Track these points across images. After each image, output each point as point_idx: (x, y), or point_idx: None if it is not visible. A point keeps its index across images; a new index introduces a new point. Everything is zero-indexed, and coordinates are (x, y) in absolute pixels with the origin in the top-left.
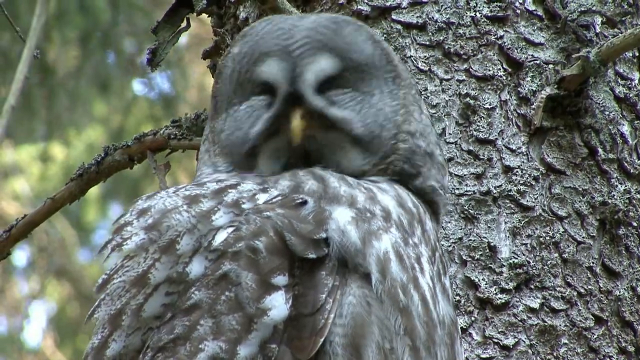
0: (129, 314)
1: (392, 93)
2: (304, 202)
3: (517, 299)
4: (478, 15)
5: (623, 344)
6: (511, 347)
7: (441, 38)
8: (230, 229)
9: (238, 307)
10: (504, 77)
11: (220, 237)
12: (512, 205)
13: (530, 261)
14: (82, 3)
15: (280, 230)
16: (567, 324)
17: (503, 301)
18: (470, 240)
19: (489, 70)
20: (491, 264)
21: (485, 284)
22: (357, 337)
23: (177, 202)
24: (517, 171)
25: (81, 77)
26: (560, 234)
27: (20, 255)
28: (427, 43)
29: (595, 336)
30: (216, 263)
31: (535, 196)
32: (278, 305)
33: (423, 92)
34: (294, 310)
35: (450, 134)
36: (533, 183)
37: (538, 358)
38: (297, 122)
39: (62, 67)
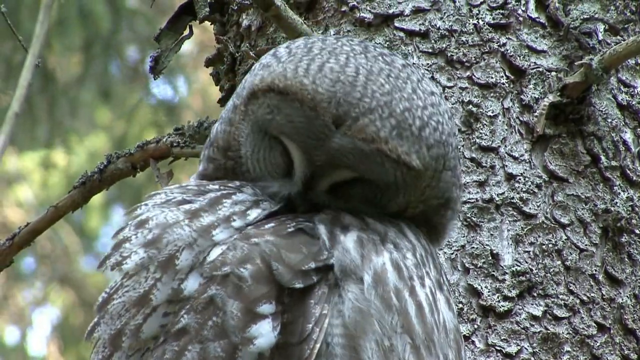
0: (129, 334)
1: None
2: (299, 230)
3: (520, 307)
4: (481, 22)
5: (625, 352)
6: (514, 354)
7: (444, 45)
8: (224, 247)
9: (223, 335)
10: (507, 85)
11: (215, 253)
12: (515, 213)
13: (533, 269)
14: (83, 10)
15: (268, 259)
16: (570, 332)
17: (506, 309)
18: (473, 247)
19: (492, 78)
20: (494, 271)
21: (488, 292)
22: (356, 337)
23: (178, 216)
24: (519, 179)
25: (83, 84)
26: (562, 241)
27: (24, 263)
28: (430, 50)
29: (597, 344)
30: (203, 286)
31: (538, 204)
32: (265, 333)
33: None
34: (281, 339)
35: None
36: (536, 190)
37: None
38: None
39: (64, 74)
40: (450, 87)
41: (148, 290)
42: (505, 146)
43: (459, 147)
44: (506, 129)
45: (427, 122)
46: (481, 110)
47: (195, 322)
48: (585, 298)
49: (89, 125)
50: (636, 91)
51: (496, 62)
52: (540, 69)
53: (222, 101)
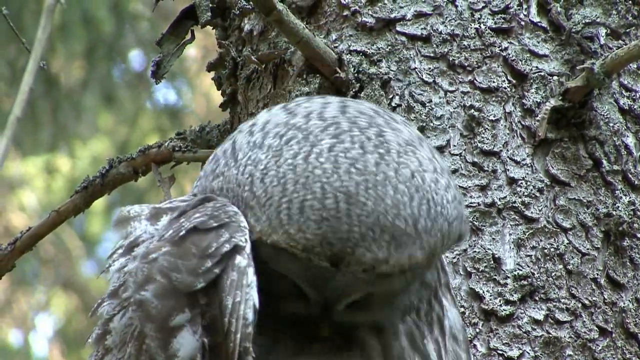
0: (109, 332)
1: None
2: (192, 229)
3: (522, 311)
4: (482, 27)
5: (627, 356)
6: (516, 358)
7: (446, 50)
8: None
9: (151, 358)
10: (509, 89)
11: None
12: (517, 217)
13: (535, 273)
14: (86, 15)
15: (167, 272)
16: (572, 336)
17: (507, 313)
18: (475, 252)
19: (494, 82)
20: (496, 275)
21: (490, 296)
22: None
23: (142, 209)
24: (521, 183)
25: (87, 88)
26: (564, 245)
27: (26, 268)
28: (432, 55)
29: (599, 348)
30: (122, 312)
31: (540, 208)
32: (185, 342)
33: (427, 104)
34: (210, 340)
35: (454, 145)
36: (537, 195)
37: None
38: (325, 330)
39: (68, 79)
40: (452, 92)
41: (122, 283)
42: (507, 150)
43: (457, 196)
44: (508, 133)
45: (418, 213)
46: (483, 114)
47: (134, 349)
48: (587, 302)
49: (92, 130)
50: (638, 95)
51: (498, 67)
52: (542, 74)
53: (224, 105)
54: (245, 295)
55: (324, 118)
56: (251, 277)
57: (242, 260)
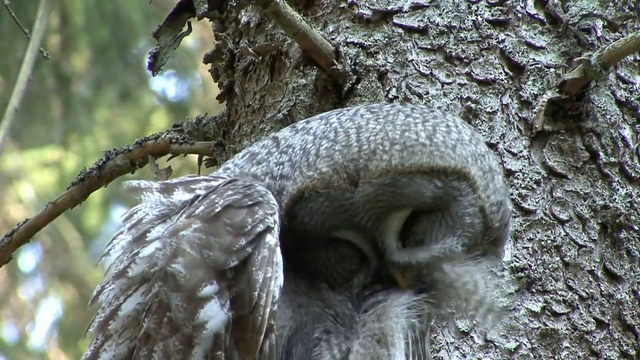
0: (114, 318)
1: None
2: (227, 207)
3: (519, 303)
4: (479, 19)
5: (624, 348)
6: (513, 350)
7: (442, 42)
8: (158, 245)
9: (177, 329)
10: (506, 81)
11: (147, 251)
12: (514, 209)
13: (532, 265)
14: (107, 12)
15: (198, 248)
16: (569, 328)
17: (505, 305)
18: None
19: (491, 74)
20: (493, 267)
21: None
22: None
23: (152, 184)
24: (518, 175)
25: (99, 84)
26: (561, 237)
27: (24, 260)
28: (429, 47)
29: (596, 340)
30: (148, 285)
31: (537, 200)
32: (214, 314)
33: (424, 96)
34: (235, 313)
35: None
36: (534, 187)
37: None
38: (401, 280)
39: (79, 74)
40: (449, 84)
41: (127, 265)
42: (504, 142)
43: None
44: (505, 125)
45: (434, 129)
46: (480, 106)
47: (153, 324)
48: (584, 294)
49: (101, 125)
50: (635, 87)
51: (495, 59)
52: (539, 66)
53: (221, 97)
54: (275, 274)
55: (405, 111)
56: (280, 257)
57: (272, 238)
